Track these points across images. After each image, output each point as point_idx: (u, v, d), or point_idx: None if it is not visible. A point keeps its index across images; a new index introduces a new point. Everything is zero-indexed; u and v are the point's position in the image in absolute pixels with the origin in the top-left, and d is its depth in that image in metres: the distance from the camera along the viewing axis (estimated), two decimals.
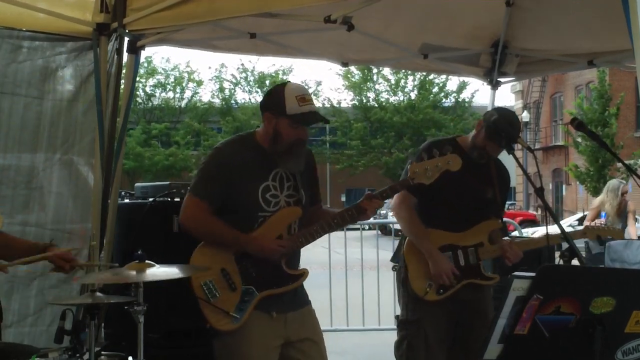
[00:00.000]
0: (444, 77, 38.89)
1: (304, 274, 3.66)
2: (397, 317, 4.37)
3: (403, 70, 35.90)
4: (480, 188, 4.09)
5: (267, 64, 49.06)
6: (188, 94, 41.91)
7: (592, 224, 8.60)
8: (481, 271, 4.16)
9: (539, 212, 31.98)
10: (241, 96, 43.30)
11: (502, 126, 4.01)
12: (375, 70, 39.20)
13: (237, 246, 3.54)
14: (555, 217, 3.49)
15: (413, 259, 4.15)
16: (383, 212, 23.86)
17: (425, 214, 4.16)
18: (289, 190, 3.63)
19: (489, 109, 5.99)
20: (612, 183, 9.47)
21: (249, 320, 3.52)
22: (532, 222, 28.47)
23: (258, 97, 42.20)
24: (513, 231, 9.88)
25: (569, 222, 26.97)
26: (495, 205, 4.20)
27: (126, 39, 4.86)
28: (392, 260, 4.48)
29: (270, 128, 3.56)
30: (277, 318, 3.58)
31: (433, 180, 3.61)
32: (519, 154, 3.82)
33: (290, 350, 3.61)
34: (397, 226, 11.23)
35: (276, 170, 3.60)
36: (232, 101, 42.29)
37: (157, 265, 3.55)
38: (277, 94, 3.56)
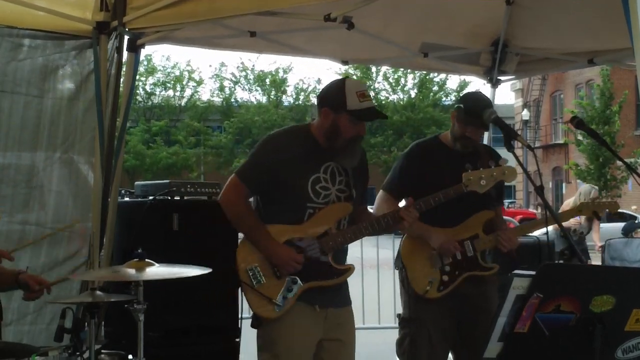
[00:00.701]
0: (443, 75, 38.94)
1: (349, 269, 3.68)
2: (398, 315, 4.38)
3: (402, 69, 35.91)
4: None
5: (267, 62, 49.18)
6: (188, 92, 41.97)
7: (567, 224, 8.76)
8: (479, 262, 4.15)
9: (539, 210, 31.96)
10: (241, 95, 43.38)
11: (469, 106, 4.10)
12: (374, 69, 39.20)
13: (256, 242, 3.57)
14: (555, 215, 3.49)
15: (411, 259, 4.16)
16: None
17: (420, 214, 4.15)
18: (340, 185, 3.65)
19: None
20: (585, 188, 9.75)
21: (292, 310, 3.53)
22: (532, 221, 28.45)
23: (258, 96, 42.28)
24: None
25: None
26: (488, 195, 4.14)
27: (126, 38, 4.86)
28: (395, 263, 4.48)
29: (327, 123, 3.58)
30: (320, 312, 3.60)
31: (487, 189, 3.71)
32: (518, 152, 3.80)
33: (319, 348, 3.63)
34: None
35: (328, 163, 3.62)
36: (232, 100, 42.34)
37: (157, 264, 3.55)
38: (337, 89, 3.59)
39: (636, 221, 9.64)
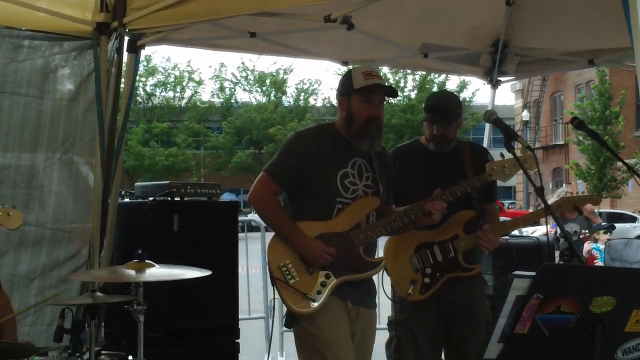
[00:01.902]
0: (443, 77, 38.92)
1: (381, 262, 3.69)
2: (388, 317, 4.37)
3: (402, 70, 35.91)
4: (448, 180, 3.97)
5: (268, 63, 49.19)
6: (188, 93, 41.97)
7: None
8: (460, 263, 4.10)
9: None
10: (241, 95, 43.34)
11: (428, 104, 4.23)
12: None
13: (286, 237, 3.57)
14: (555, 216, 3.48)
15: (391, 264, 4.12)
16: None
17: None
18: (367, 181, 3.67)
19: (489, 108, 6.01)
20: (557, 191, 9.85)
21: (328, 304, 3.51)
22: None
23: (258, 96, 42.32)
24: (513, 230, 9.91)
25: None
26: (469, 194, 4.04)
27: (126, 38, 4.86)
28: None
29: (343, 111, 3.67)
30: (352, 309, 3.60)
31: (511, 177, 3.76)
32: (518, 153, 3.80)
33: None
34: None
35: (355, 159, 3.66)
36: (232, 100, 42.35)
37: (157, 265, 3.55)
38: (346, 76, 3.70)
39: (602, 223, 9.52)
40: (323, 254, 3.52)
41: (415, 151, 4.29)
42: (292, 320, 3.57)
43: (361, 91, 3.59)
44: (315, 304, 3.50)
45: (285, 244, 3.58)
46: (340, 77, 3.81)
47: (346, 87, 3.65)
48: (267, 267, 3.60)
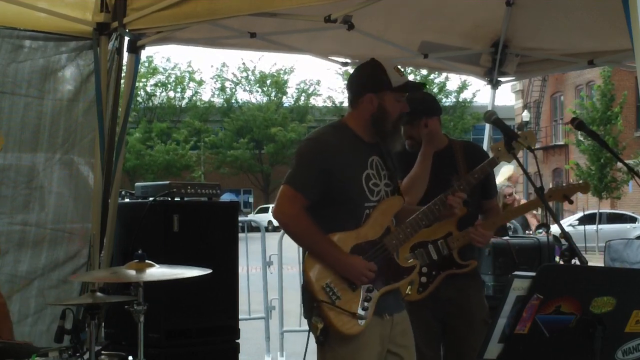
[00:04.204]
0: (444, 77, 38.95)
1: (416, 265, 3.52)
2: None
3: (402, 70, 35.94)
4: (441, 179, 3.95)
5: (269, 64, 49.31)
6: (189, 93, 42.02)
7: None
8: (455, 260, 4.07)
9: (539, 211, 31.87)
10: (241, 95, 43.42)
11: None
12: None
13: (323, 256, 3.32)
14: (555, 216, 3.48)
15: None
16: None
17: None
18: (385, 179, 3.47)
19: (489, 108, 6.01)
20: (502, 169, 9.71)
21: (368, 325, 3.31)
22: None
23: (259, 97, 42.38)
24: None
25: (569, 222, 26.97)
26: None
27: (126, 39, 4.87)
28: None
29: (372, 109, 3.39)
30: (388, 320, 3.42)
31: (514, 157, 3.63)
32: (519, 153, 3.77)
33: (388, 356, 3.44)
34: None
35: (372, 157, 3.44)
36: (233, 100, 42.41)
37: (157, 265, 3.55)
38: (377, 70, 3.41)
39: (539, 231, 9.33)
40: (366, 272, 3.30)
41: (408, 151, 4.27)
42: (325, 340, 3.31)
43: (399, 89, 3.39)
44: (363, 322, 3.30)
45: (323, 262, 3.33)
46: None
47: (378, 83, 3.39)
48: (308, 288, 3.31)
